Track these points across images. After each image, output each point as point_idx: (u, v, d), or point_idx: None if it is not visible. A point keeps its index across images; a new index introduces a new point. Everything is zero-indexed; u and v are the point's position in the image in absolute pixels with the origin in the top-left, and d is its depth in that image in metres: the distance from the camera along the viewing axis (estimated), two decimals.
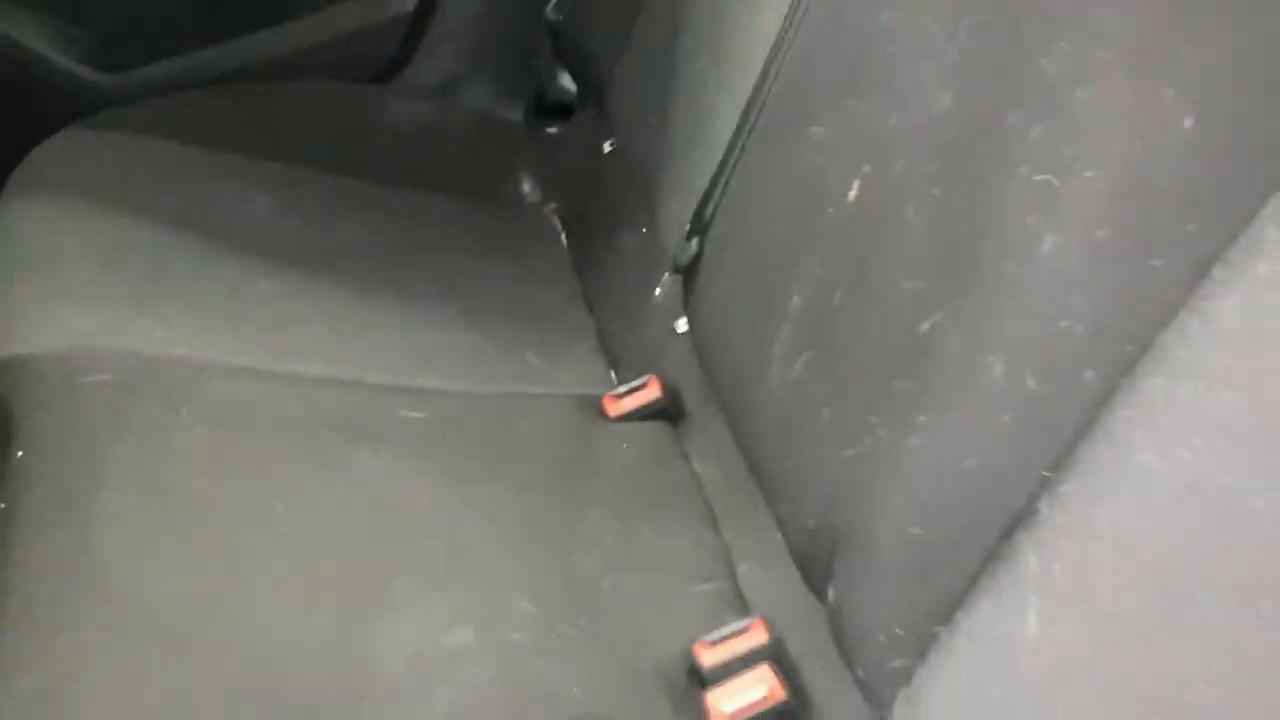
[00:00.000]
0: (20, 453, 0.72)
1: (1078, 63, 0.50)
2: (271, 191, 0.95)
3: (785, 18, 0.74)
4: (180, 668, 0.60)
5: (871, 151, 0.63)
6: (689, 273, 0.81)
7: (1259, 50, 0.45)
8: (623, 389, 0.84)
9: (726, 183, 0.77)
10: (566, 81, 1.12)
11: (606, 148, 1.03)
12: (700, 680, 0.65)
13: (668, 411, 0.83)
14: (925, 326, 0.55)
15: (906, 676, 0.57)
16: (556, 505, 0.74)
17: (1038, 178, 0.51)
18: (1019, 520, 0.52)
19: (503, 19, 1.13)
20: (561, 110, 1.13)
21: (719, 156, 0.80)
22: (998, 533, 0.52)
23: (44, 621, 0.62)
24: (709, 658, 0.65)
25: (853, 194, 0.63)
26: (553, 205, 1.07)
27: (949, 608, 0.54)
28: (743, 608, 0.70)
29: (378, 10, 1.11)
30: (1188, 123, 0.46)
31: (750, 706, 0.63)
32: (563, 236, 1.05)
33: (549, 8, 1.09)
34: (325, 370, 0.81)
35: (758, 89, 0.77)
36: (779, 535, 0.69)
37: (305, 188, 0.98)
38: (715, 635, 0.66)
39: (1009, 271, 0.52)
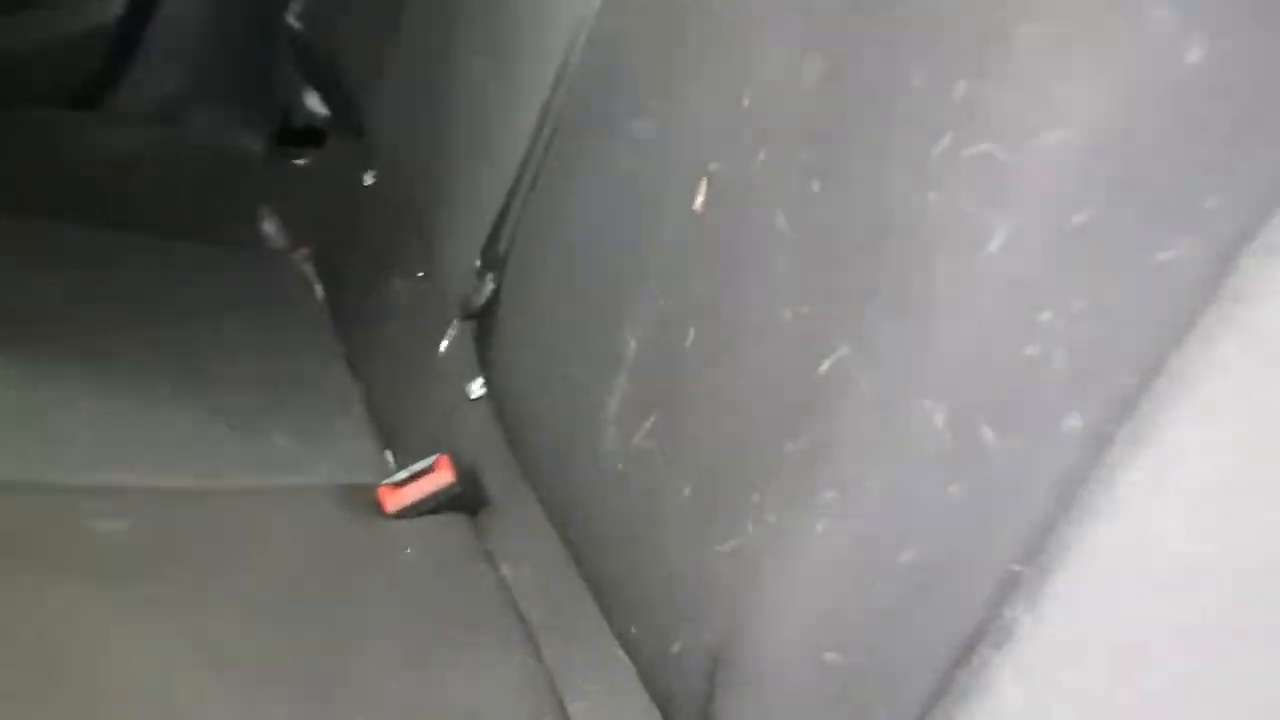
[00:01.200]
0: None
1: None
2: None
3: None
4: None
5: (718, 144, 0.47)
6: (483, 318, 0.63)
7: None
8: (403, 474, 0.65)
9: (524, 206, 0.60)
10: (315, 102, 0.93)
11: (368, 180, 0.85)
12: None
13: (463, 500, 0.64)
14: (824, 367, 0.39)
15: None
16: (318, 643, 0.54)
17: (971, 150, 0.35)
18: (983, 633, 0.36)
19: (233, 29, 0.92)
20: (311, 136, 0.94)
21: (512, 175, 0.62)
22: (953, 654, 0.36)
23: None
24: None
25: (699, 200, 0.47)
26: (304, 250, 0.87)
27: None
28: None
29: (76, 21, 0.89)
30: (1193, 55, 0.32)
31: None
32: (317, 288, 0.85)
33: (289, 14, 0.90)
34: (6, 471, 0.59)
35: (555, 88, 0.60)
36: (620, 670, 0.51)
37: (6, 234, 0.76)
38: None
39: (940, 283, 0.36)
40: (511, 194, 0.62)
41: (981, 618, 0.36)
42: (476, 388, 0.68)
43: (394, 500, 0.65)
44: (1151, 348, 0.33)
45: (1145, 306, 0.33)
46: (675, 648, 0.46)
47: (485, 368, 0.63)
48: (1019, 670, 0.35)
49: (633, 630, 0.48)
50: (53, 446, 0.64)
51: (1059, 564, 0.35)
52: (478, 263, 0.63)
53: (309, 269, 0.86)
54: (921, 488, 0.37)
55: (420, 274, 0.75)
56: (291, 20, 0.91)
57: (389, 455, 0.71)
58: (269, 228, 0.90)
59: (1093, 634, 0.34)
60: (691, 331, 0.47)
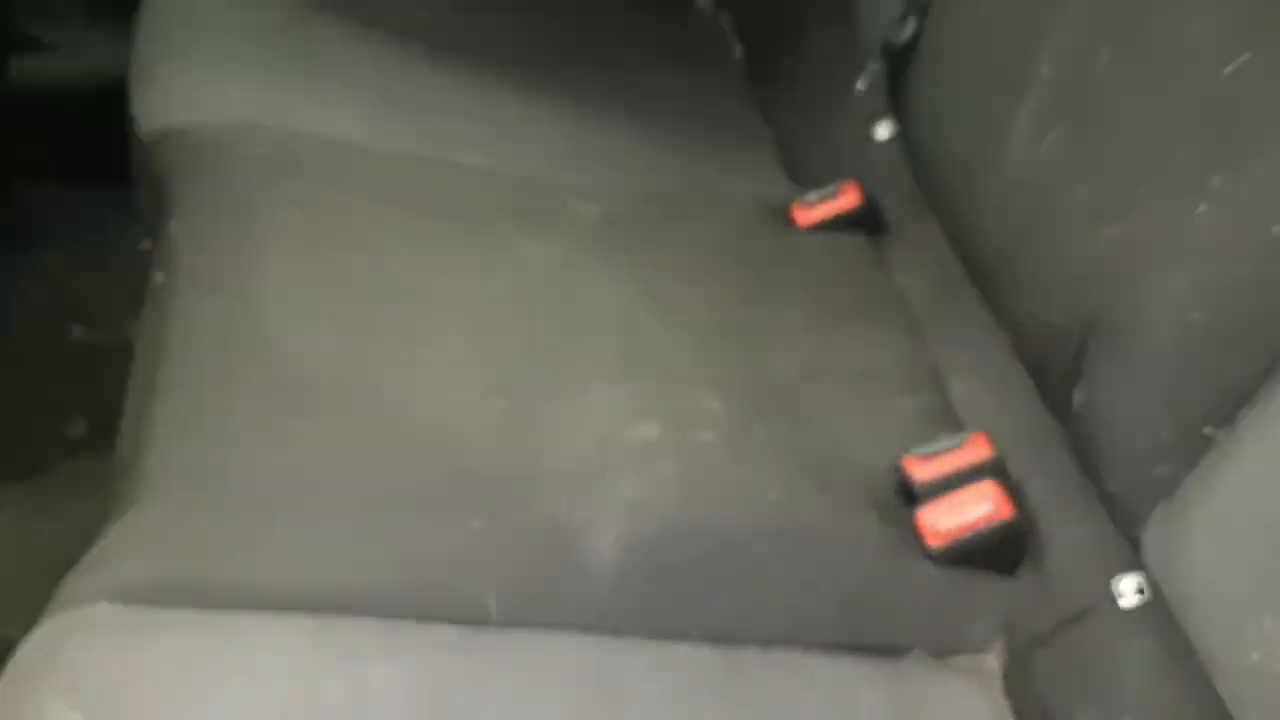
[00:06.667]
0: (176, 225, 0.67)
1: None
2: None
3: None
4: (340, 434, 0.56)
5: None
6: (899, 60, 0.72)
7: None
8: (813, 195, 0.76)
9: None
10: None
11: None
12: (911, 496, 0.58)
13: (865, 221, 0.75)
14: (1229, 70, 0.46)
15: (1169, 487, 0.49)
16: (743, 307, 0.67)
17: None
18: None
19: None
20: None
21: None
22: None
23: (204, 386, 0.58)
24: (921, 472, 0.58)
25: None
26: (727, 15, 0.98)
27: (1231, 405, 0.46)
28: (956, 423, 0.62)
29: None
30: None
31: (970, 524, 0.56)
32: (737, 47, 0.96)
33: None
34: (488, 162, 0.74)
35: None
36: (997, 349, 0.61)
37: None
38: (928, 449, 0.59)
39: None
40: None
41: None
42: (882, 131, 0.78)
43: (805, 216, 0.76)
44: None
45: None
46: (1056, 319, 0.55)
47: (898, 106, 0.73)
48: None
49: (1020, 311, 0.58)
50: (533, 150, 0.79)
51: None
52: (900, 8, 0.72)
53: (730, 30, 0.97)
54: None
55: (836, 29, 0.84)
56: None
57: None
58: None
59: None
60: (1105, 52, 0.54)
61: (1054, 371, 0.56)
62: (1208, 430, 0.48)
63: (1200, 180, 0.48)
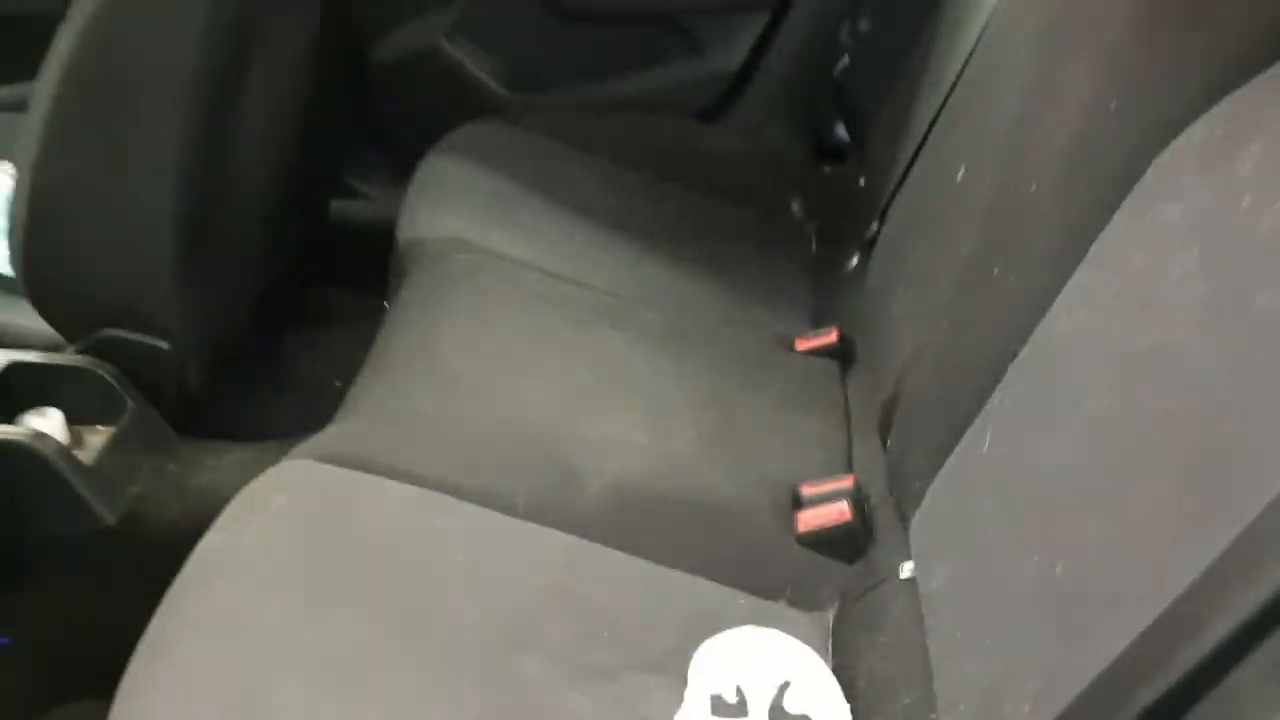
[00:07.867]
0: (403, 293, 1.13)
1: None
2: (605, 180, 1.33)
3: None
4: (464, 410, 0.97)
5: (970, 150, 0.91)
6: (871, 248, 1.10)
7: None
8: (811, 334, 1.14)
9: (905, 184, 1.07)
10: (842, 131, 1.44)
11: (861, 183, 1.34)
12: (798, 505, 0.94)
13: (840, 353, 1.12)
14: (964, 249, 0.83)
15: (919, 498, 0.83)
16: (734, 389, 1.05)
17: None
18: (998, 374, 0.78)
19: (802, 80, 1.47)
20: (836, 155, 1.45)
21: (906, 168, 1.09)
22: (989, 380, 0.78)
23: (397, 374, 1.01)
24: (808, 491, 0.94)
25: (959, 175, 0.92)
26: (814, 224, 1.38)
27: (952, 440, 0.81)
28: (848, 471, 0.97)
29: (709, 66, 1.48)
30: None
31: (824, 522, 0.91)
32: (813, 244, 1.36)
33: (836, 71, 1.43)
34: (603, 283, 1.17)
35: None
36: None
37: (630, 183, 1.35)
38: (816, 480, 0.95)
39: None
40: (902, 176, 1.09)
41: (998, 365, 0.78)
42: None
43: (801, 345, 1.14)
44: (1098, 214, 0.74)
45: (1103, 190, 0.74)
46: (887, 395, 0.91)
47: (866, 275, 1.11)
48: (1001, 388, 0.77)
49: (879, 395, 0.94)
50: (637, 286, 1.21)
51: (1031, 343, 0.76)
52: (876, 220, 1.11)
53: (812, 234, 1.37)
54: (966, 297, 0.80)
55: (870, 236, 1.23)
56: (836, 75, 1.44)
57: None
58: (795, 207, 1.42)
59: (1036, 373, 0.75)
60: (940, 241, 0.92)
61: (884, 429, 0.91)
62: (937, 458, 0.82)
63: (947, 303, 0.84)
